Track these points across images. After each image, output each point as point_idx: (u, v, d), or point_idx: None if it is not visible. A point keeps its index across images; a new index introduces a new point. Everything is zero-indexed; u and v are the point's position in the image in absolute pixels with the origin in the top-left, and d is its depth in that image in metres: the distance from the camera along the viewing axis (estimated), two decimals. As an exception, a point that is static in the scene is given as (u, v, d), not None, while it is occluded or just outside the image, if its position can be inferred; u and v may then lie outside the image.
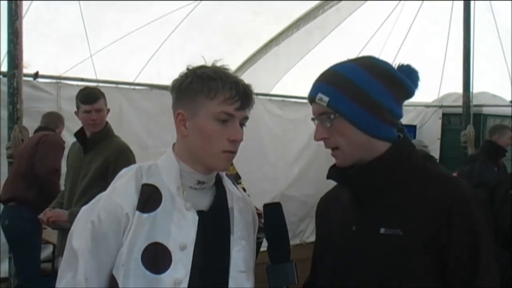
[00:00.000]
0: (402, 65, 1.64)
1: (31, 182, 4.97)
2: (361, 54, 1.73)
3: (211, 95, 1.55)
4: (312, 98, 1.61)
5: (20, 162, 5.04)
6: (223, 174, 1.73)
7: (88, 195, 3.61)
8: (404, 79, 1.61)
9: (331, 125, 1.57)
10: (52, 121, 5.47)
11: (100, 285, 1.54)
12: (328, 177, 1.70)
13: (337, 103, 1.55)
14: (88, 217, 1.56)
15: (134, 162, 3.74)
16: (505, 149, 5.83)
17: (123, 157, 3.71)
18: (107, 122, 3.92)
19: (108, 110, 3.90)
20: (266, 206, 1.66)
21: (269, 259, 1.63)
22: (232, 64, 1.66)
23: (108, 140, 3.85)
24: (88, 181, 3.74)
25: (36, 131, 5.36)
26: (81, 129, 3.92)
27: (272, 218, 1.64)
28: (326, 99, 1.56)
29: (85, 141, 3.85)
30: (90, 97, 3.80)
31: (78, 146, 3.92)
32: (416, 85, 1.64)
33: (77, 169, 3.86)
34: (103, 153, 3.75)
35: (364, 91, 1.55)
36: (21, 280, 5.05)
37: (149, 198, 1.56)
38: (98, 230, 1.53)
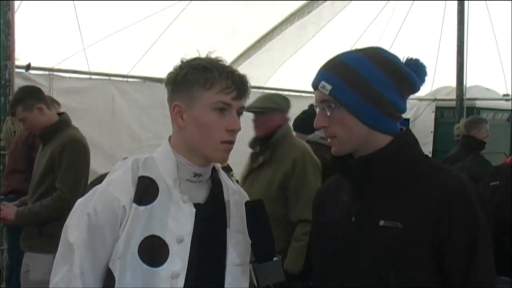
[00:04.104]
0: (411, 59, 1.65)
1: (28, 174, 4.95)
2: (355, 48, 1.73)
3: (207, 85, 1.55)
4: (315, 84, 1.61)
5: (15, 154, 5.00)
6: (219, 167, 1.72)
7: (39, 190, 3.59)
8: (409, 73, 1.60)
9: (331, 113, 1.57)
10: None
11: (96, 278, 1.53)
12: (331, 166, 1.70)
13: (339, 93, 1.55)
14: (84, 209, 1.55)
15: (83, 153, 3.64)
16: (483, 141, 5.79)
17: (67, 149, 3.57)
18: (61, 114, 3.85)
19: (41, 109, 3.64)
20: (248, 203, 1.64)
21: (253, 257, 1.62)
22: (226, 58, 1.66)
23: (60, 133, 3.70)
24: (39, 176, 3.66)
25: None
26: None
27: (255, 215, 1.62)
28: (328, 87, 1.56)
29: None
30: (11, 109, 3.77)
31: None
32: (423, 80, 1.64)
33: None
34: (51, 147, 3.65)
35: (367, 82, 1.55)
36: (16, 271, 5.01)
37: (146, 190, 1.55)
38: (94, 222, 1.52)
